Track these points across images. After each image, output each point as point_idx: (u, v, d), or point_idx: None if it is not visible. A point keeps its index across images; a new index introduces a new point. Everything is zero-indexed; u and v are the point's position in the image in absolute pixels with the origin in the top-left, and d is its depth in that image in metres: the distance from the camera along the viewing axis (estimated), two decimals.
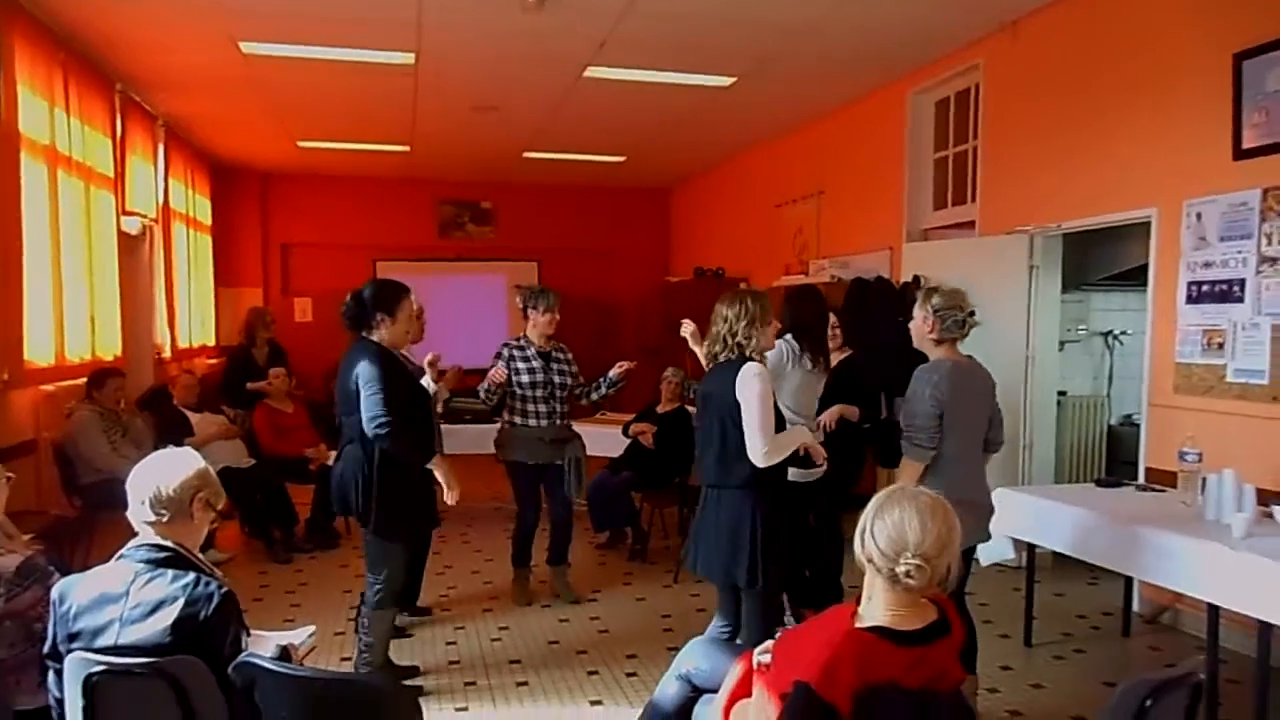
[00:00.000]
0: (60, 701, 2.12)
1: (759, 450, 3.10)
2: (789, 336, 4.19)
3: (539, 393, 4.74)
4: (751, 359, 3.22)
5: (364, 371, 3.52)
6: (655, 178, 11.32)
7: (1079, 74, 5.11)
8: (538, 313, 4.79)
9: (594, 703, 3.72)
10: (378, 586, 3.73)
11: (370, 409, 3.49)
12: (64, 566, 2.60)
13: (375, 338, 3.65)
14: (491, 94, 7.13)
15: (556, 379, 4.79)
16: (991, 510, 3.62)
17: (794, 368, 4.16)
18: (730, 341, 3.24)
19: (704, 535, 3.26)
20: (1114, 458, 5.95)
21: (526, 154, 9.45)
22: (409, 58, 6.14)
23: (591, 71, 6.44)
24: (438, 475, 3.72)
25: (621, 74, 6.49)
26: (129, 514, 2.18)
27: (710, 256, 10.11)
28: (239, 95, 7.11)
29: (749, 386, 3.12)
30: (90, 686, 2.00)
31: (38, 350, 5.15)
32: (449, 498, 3.76)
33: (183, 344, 8.31)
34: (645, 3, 5.13)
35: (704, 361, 3.45)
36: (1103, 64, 4.95)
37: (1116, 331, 6.30)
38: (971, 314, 3.44)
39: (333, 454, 6.10)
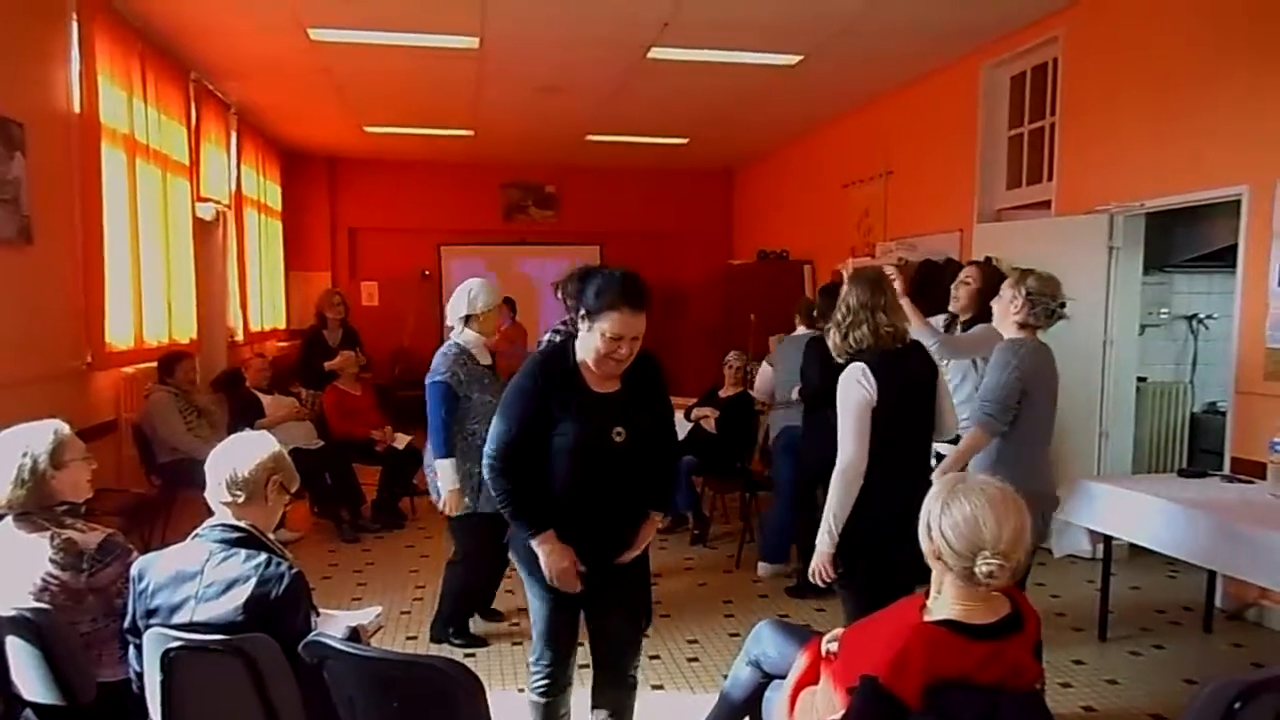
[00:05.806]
0: (140, 675, 2.18)
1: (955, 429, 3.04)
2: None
3: None
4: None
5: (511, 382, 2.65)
6: (718, 160, 11.22)
7: (1165, 45, 4.88)
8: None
9: (655, 687, 3.72)
10: (535, 670, 2.72)
11: (489, 438, 2.59)
12: (143, 542, 2.68)
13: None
14: (555, 77, 7.12)
15: None
16: (1057, 501, 3.51)
17: None
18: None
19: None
20: (1196, 447, 5.71)
21: (589, 137, 9.43)
22: (473, 42, 6.15)
23: (655, 53, 6.38)
24: (540, 556, 2.55)
25: (685, 54, 6.41)
26: (207, 494, 2.23)
27: (774, 239, 9.97)
28: (307, 82, 7.22)
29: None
30: (168, 661, 2.06)
31: (118, 334, 5.33)
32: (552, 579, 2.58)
33: (255, 327, 8.53)
34: None
35: (879, 344, 2.79)
36: (1191, 34, 4.72)
37: (1201, 315, 6.04)
38: (1062, 305, 3.32)
39: (399, 435, 6.31)
